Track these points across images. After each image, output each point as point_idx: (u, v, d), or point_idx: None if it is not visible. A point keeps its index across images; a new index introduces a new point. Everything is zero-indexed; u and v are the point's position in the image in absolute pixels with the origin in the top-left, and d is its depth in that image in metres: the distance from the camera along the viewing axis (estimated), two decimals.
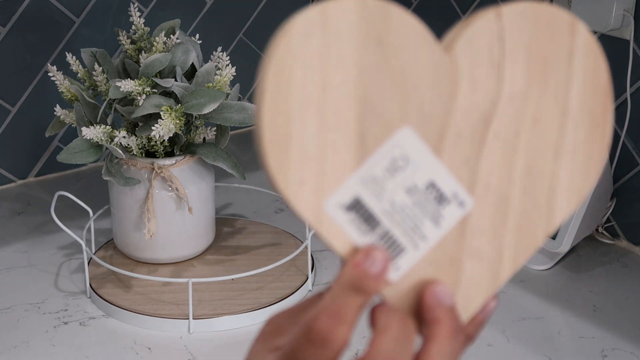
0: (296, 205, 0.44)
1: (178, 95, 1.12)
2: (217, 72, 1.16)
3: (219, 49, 1.22)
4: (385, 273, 0.45)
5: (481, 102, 0.47)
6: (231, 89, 1.18)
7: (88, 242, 1.25)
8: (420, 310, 0.46)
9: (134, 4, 1.34)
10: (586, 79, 0.49)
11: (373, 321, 0.45)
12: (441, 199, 0.47)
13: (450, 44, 0.47)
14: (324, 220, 0.45)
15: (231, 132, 1.25)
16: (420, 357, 0.45)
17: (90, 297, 1.17)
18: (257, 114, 0.43)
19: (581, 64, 0.48)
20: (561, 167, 0.49)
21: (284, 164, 0.44)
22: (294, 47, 0.43)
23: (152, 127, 1.09)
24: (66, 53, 1.21)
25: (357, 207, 0.46)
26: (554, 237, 1.23)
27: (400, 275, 0.47)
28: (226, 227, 1.31)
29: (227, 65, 1.17)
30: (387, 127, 0.45)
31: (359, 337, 0.50)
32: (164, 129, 1.09)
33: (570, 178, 0.49)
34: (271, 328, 0.48)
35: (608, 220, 1.32)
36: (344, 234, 0.45)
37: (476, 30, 0.47)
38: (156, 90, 1.12)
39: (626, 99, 1.25)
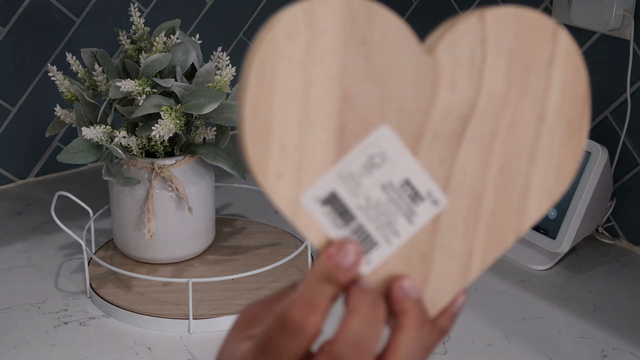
0: (273, 198, 0.46)
1: (178, 95, 1.12)
2: (217, 72, 1.16)
3: (219, 49, 1.22)
4: (357, 266, 0.46)
5: (460, 104, 0.48)
6: (231, 89, 1.18)
7: (88, 242, 1.25)
8: (388, 303, 0.47)
9: (134, 4, 1.34)
10: (565, 86, 0.49)
11: (346, 300, 0.46)
12: (415, 196, 0.48)
13: (433, 46, 0.47)
14: (300, 213, 0.46)
15: (231, 132, 1.25)
16: (388, 346, 0.46)
17: (90, 297, 1.17)
18: (240, 107, 0.44)
19: (561, 71, 0.49)
20: (535, 170, 0.50)
21: (263, 157, 0.45)
22: (279, 43, 0.44)
23: (152, 127, 1.09)
24: (66, 53, 1.21)
25: (332, 201, 0.47)
26: (554, 237, 1.23)
27: (372, 268, 0.48)
28: (226, 227, 1.31)
29: (227, 65, 1.17)
30: (366, 124, 0.46)
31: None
32: (164, 129, 1.09)
33: (543, 181, 0.50)
34: (246, 318, 0.50)
35: (608, 220, 1.32)
36: (319, 226, 0.47)
37: (459, 33, 0.47)
38: (156, 90, 1.12)
39: (626, 99, 1.25)
